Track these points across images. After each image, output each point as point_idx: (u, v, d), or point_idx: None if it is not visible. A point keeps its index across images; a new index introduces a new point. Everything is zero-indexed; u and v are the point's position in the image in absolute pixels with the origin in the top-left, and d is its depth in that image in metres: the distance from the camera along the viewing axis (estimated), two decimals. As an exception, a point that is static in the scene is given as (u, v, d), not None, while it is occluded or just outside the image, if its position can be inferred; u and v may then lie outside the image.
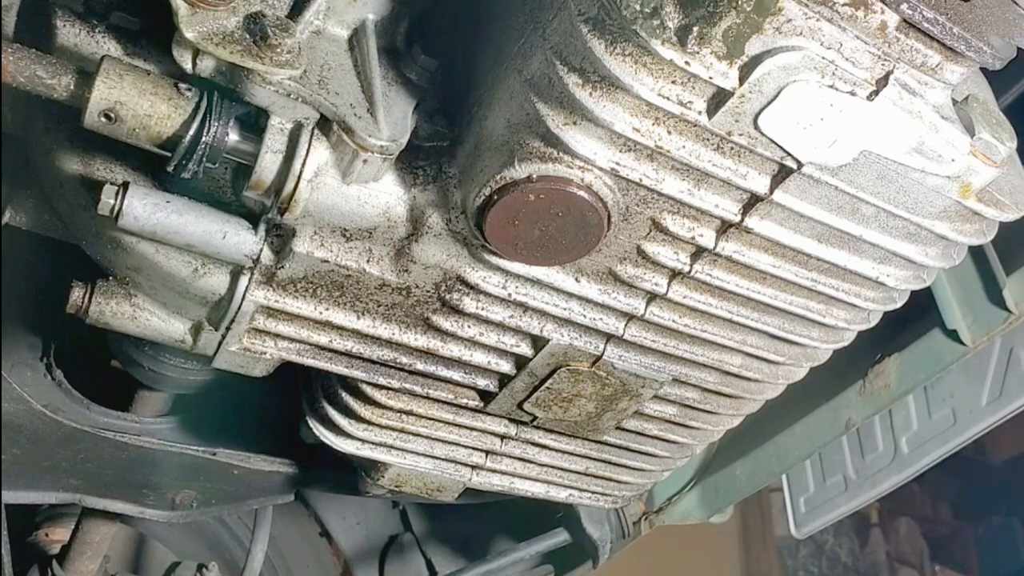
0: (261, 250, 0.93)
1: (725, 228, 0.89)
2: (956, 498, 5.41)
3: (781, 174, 0.83)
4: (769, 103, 0.75)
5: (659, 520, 1.80)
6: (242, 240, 0.92)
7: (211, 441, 1.39)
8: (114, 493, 1.36)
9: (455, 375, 1.10)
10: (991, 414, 1.45)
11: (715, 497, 1.79)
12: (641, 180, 0.82)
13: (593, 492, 1.37)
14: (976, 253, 1.39)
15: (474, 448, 1.24)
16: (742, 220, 0.87)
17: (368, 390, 1.12)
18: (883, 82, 0.76)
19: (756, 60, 0.73)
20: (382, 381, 1.10)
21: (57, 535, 1.66)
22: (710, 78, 0.74)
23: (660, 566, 3.81)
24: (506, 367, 1.09)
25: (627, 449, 1.28)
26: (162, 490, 1.38)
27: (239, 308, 0.97)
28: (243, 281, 0.96)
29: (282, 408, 1.33)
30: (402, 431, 1.18)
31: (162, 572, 1.70)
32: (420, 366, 1.08)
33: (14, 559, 1.37)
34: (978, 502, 5.26)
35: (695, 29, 0.72)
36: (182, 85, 0.82)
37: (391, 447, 1.21)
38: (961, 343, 1.43)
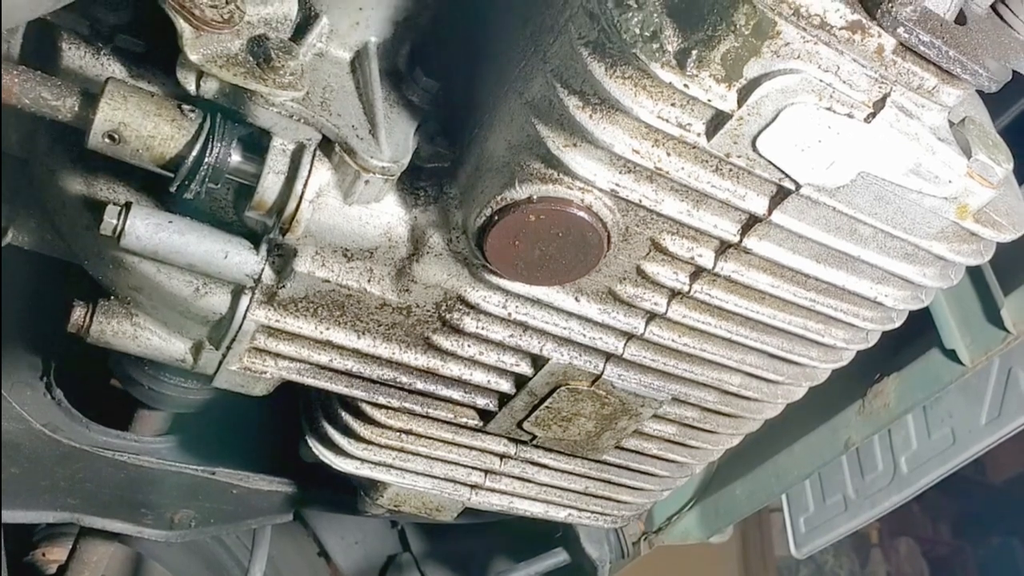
0: (262, 270, 0.93)
1: (724, 248, 0.89)
2: (956, 518, 5.39)
3: (779, 195, 0.83)
4: (767, 125, 0.76)
5: (658, 540, 1.79)
6: (244, 260, 0.92)
7: (210, 460, 1.39)
8: (112, 512, 1.35)
9: (455, 394, 1.10)
10: (990, 434, 1.45)
11: (715, 517, 1.79)
12: (640, 201, 0.83)
13: (592, 512, 1.37)
14: (974, 273, 1.39)
15: (473, 467, 1.24)
16: (741, 240, 0.88)
17: (368, 409, 1.12)
18: (880, 104, 0.77)
19: (754, 83, 0.74)
20: (382, 400, 1.10)
21: (54, 555, 1.65)
22: (709, 100, 0.75)
23: (659, 586, 3.80)
24: (505, 386, 1.09)
25: (626, 468, 1.28)
26: (160, 509, 1.38)
27: (240, 327, 0.98)
28: (244, 301, 0.96)
29: (281, 428, 1.33)
30: (401, 450, 1.18)
31: (160, 592, 1.70)
32: (420, 385, 1.08)
33: (11, 579, 1.37)
34: (978, 522, 5.24)
35: (694, 52, 0.73)
36: (185, 106, 0.83)
37: (390, 466, 1.21)
38: (960, 363, 1.43)
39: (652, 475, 1.30)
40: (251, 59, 0.78)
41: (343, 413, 1.15)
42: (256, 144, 0.85)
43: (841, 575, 4.99)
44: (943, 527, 5.43)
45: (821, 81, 0.74)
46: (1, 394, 1.23)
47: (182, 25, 0.77)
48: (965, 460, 1.49)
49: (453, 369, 1.06)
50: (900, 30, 0.73)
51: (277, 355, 1.03)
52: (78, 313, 1.02)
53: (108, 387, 1.39)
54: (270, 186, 0.85)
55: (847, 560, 5.03)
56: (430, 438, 1.18)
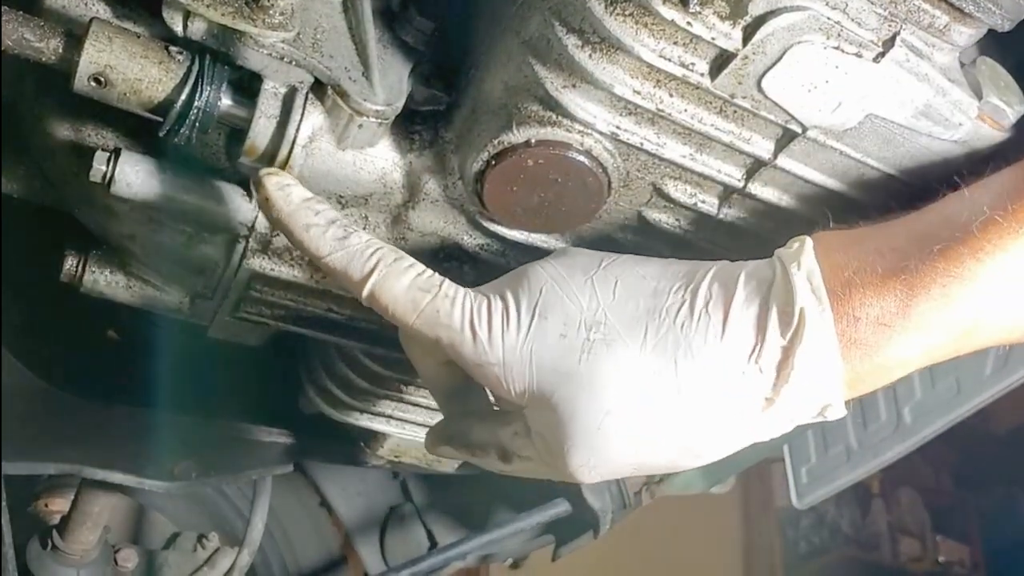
0: (256, 217, 0.91)
1: (728, 194, 0.87)
2: (958, 468, 5.42)
3: (785, 138, 0.81)
4: (773, 65, 0.74)
5: (660, 491, 1.79)
6: (236, 207, 0.91)
7: (209, 411, 1.38)
8: (112, 463, 1.35)
9: (454, 344, 1.09)
10: (995, 384, 1.44)
11: (716, 467, 1.77)
12: (642, 144, 0.81)
13: (594, 462, 1.36)
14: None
15: (473, 418, 1.23)
16: (745, 186, 0.86)
17: (366, 360, 1.11)
18: (889, 43, 0.75)
19: (760, 20, 0.71)
20: (379, 351, 1.09)
21: (57, 505, 1.65)
22: (713, 39, 0.72)
23: (661, 536, 3.83)
24: (505, 336, 1.08)
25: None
26: (160, 460, 1.37)
27: (234, 276, 0.96)
28: (238, 249, 0.94)
29: (280, 378, 1.33)
30: (400, 401, 1.18)
31: (163, 543, 1.70)
32: (418, 335, 1.07)
33: (14, 530, 1.37)
34: (980, 473, 5.26)
35: (697, -12, 0.70)
36: (173, 48, 0.80)
37: (390, 417, 1.21)
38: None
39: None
40: (239, -3, 0.76)
41: (341, 363, 1.14)
42: (247, 88, 0.83)
43: (842, 525, 5.02)
44: (945, 477, 5.46)
45: (829, 19, 0.72)
46: (1, 345, 1.22)
47: (167, -39, 0.75)
48: (969, 410, 1.48)
49: (452, 319, 1.05)
50: (911, -36, 0.71)
51: (273, 304, 1.02)
52: (70, 263, 1.00)
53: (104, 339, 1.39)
54: (262, 131, 0.83)
55: (848, 510, 5.06)
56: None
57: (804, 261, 0.72)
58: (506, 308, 0.76)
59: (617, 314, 0.74)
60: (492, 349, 0.75)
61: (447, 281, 0.77)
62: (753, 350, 0.71)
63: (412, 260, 0.77)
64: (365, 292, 0.76)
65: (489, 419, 0.85)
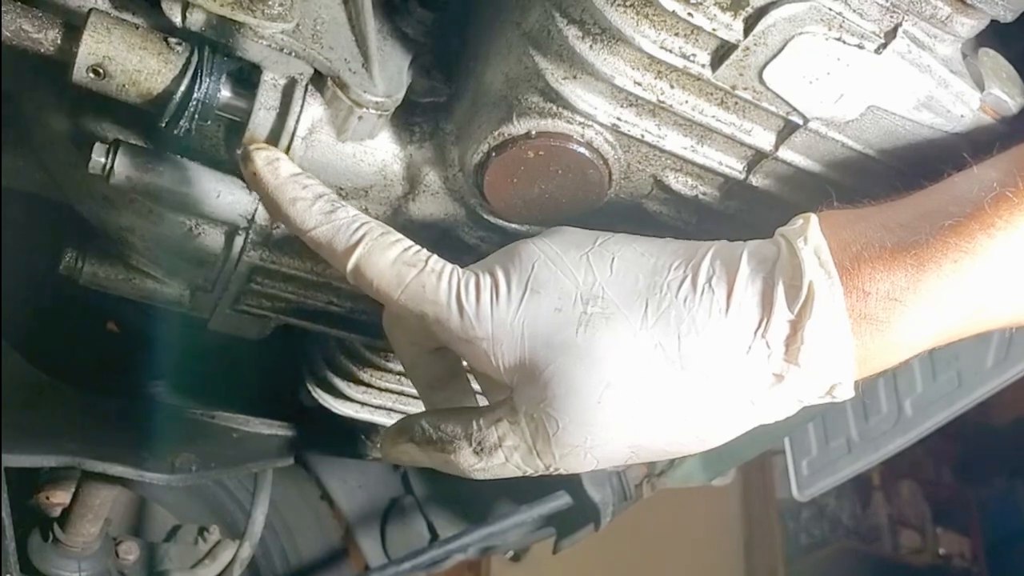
0: (256, 209, 0.91)
1: (729, 186, 0.87)
2: (958, 461, 5.42)
3: (786, 130, 0.81)
4: (774, 56, 0.73)
5: (661, 483, 1.79)
6: (236, 199, 0.90)
7: (209, 404, 1.38)
8: (113, 456, 1.35)
9: (454, 337, 1.09)
10: (996, 376, 1.44)
11: (717, 460, 1.78)
12: (643, 136, 0.81)
13: (594, 455, 1.36)
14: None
15: (474, 411, 1.23)
16: (746, 178, 0.85)
17: (366, 353, 1.11)
18: (891, 35, 0.74)
19: (761, 11, 0.71)
20: (381, 343, 1.09)
21: (58, 498, 1.65)
22: (714, 30, 0.72)
23: (661, 528, 3.83)
24: (506, 329, 1.08)
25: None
26: (161, 453, 1.37)
27: (234, 269, 0.96)
28: (238, 241, 0.94)
29: (281, 371, 1.33)
30: (401, 394, 1.18)
31: (163, 535, 1.71)
32: (419, 328, 1.07)
33: (15, 522, 1.37)
34: (980, 465, 5.26)
35: (698, -22, 0.70)
36: (172, 40, 0.80)
37: (391, 410, 1.21)
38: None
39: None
40: (238, -12, 0.76)
41: (342, 356, 1.14)
42: (246, 79, 0.83)
43: (843, 518, 5.03)
44: (945, 470, 5.46)
45: (831, 10, 0.71)
46: (1, 339, 1.22)
47: (165, -48, 0.74)
48: (971, 403, 1.49)
49: (452, 311, 1.05)
50: (914, -46, 0.70)
51: (273, 297, 1.02)
52: (70, 255, 1.00)
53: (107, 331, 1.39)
54: (261, 122, 0.83)
55: (849, 502, 5.07)
56: (430, 381, 1.17)
57: (811, 236, 0.70)
58: (495, 283, 0.73)
59: (615, 289, 0.72)
60: (480, 323, 0.71)
61: (434, 256, 0.75)
62: (759, 325, 0.68)
63: (399, 236, 0.75)
64: (349, 265, 0.73)
65: (466, 411, 0.79)
